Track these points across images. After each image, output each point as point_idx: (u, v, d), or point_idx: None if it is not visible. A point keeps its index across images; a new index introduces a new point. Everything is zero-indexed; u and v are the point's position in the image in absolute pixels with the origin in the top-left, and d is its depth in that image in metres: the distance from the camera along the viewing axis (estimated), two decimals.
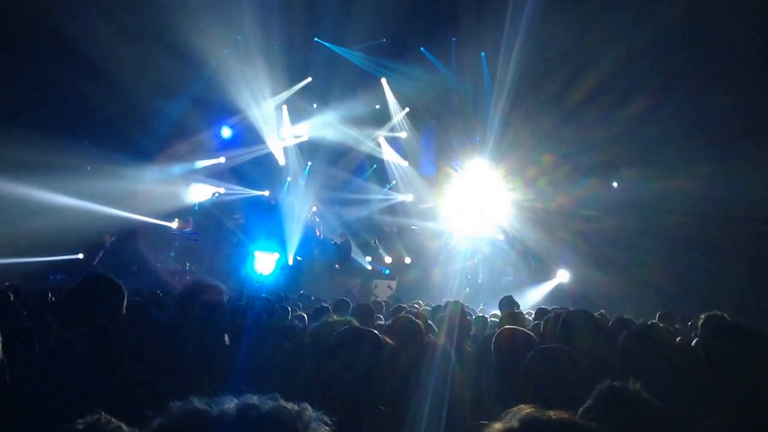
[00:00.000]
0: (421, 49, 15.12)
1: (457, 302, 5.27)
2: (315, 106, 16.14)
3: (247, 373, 3.42)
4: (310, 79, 15.69)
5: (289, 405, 1.16)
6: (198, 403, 1.14)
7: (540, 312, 6.37)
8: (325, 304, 6.76)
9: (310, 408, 1.18)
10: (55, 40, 12.33)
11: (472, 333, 5.58)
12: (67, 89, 12.87)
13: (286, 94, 15.80)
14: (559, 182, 14.13)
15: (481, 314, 7.64)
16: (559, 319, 4.15)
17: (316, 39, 15.03)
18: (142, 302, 5.37)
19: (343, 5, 13.52)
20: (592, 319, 4.14)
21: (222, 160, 16.45)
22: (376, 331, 2.77)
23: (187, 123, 15.29)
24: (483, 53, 15.09)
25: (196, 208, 15.72)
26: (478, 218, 15.89)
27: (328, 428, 1.18)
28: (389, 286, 14.06)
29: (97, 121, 13.93)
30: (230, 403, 1.14)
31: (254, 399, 1.15)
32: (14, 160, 11.38)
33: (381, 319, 6.30)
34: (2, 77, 12.24)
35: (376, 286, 14.04)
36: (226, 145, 16.55)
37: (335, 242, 13.39)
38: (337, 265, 13.38)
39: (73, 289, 2.99)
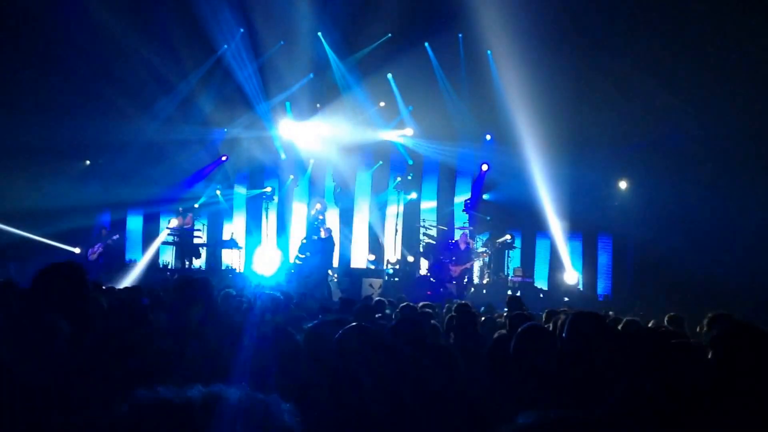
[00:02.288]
0: (425, 44, 14.91)
1: (465, 303, 5.17)
2: (318, 105, 15.96)
3: (246, 370, 3.31)
4: (312, 75, 15.52)
5: (258, 395, 1.10)
6: (163, 391, 1.07)
7: (550, 314, 6.23)
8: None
9: (279, 398, 1.13)
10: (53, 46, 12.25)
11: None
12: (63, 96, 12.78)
13: (289, 91, 15.62)
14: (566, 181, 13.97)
15: (486, 315, 7.45)
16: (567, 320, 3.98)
17: (319, 34, 14.83)
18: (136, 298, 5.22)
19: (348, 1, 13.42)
20: (600, 321, 4.06)
21: (224, 158, 16.29)
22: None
23: (188, 123, 15.11)
24: (489, 51, 14.90)
25: (196, 205, 15.54)
26: (484, 217, 15.70)
27: (298, 419, 1.13)
28: (371, 285, 13.80)
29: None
30: (196, 392, 1.07)
31: (221, 388, 1.08)
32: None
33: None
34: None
35: (371, 285, 13.85)
36: (227, 143, 16.36)
37: (319, 238, 13.18)
38: (330, 269, 13.20)
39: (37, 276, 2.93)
